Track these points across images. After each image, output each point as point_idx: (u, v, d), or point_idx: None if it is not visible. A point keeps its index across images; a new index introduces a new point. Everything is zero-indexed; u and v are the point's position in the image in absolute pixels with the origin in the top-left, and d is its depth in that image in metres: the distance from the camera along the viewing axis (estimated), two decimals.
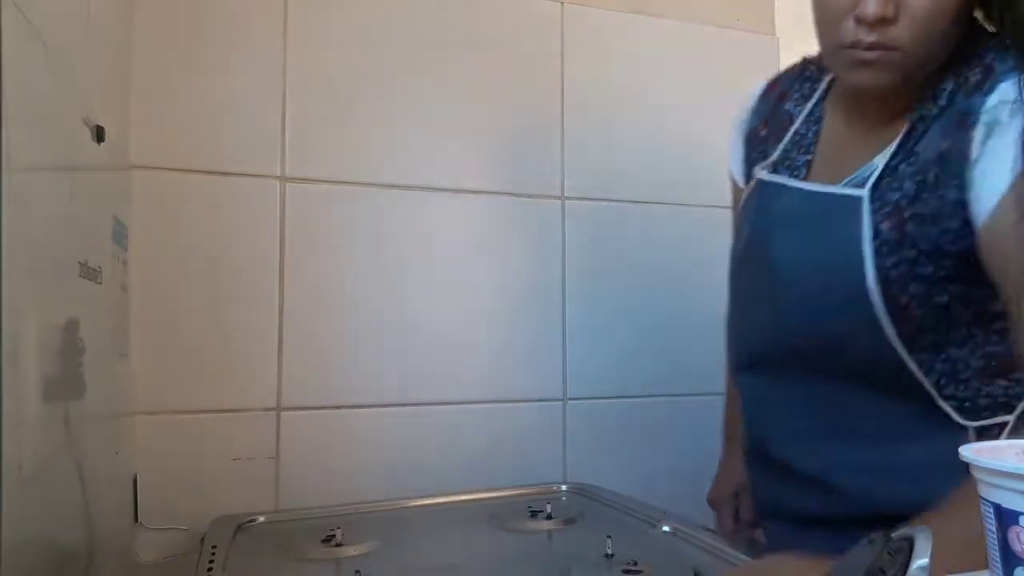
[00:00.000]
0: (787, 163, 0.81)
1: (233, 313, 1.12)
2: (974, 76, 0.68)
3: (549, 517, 0.95)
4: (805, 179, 0.79)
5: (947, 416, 0.71)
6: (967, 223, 0.65)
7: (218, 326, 1.11)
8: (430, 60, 1.25)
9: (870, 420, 0.74)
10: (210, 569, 0.78)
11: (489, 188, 1.27)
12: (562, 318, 1.30)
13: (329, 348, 1.16)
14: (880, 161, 0.71)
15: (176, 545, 1.06)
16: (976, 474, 0.39)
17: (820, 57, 0.81)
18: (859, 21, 0.66)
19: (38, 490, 0.58)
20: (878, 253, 0.68)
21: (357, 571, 0.72)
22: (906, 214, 0.68)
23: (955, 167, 0.66)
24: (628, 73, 1.38)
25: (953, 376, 0.70)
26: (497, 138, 1.29)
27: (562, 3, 1.34)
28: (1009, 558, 0.37)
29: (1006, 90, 0.65)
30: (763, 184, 0.82)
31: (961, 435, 0.70)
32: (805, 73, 0.87)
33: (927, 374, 0.70)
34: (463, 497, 1.09)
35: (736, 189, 0.92)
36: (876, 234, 0.69)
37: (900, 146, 0.70)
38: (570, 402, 1.30)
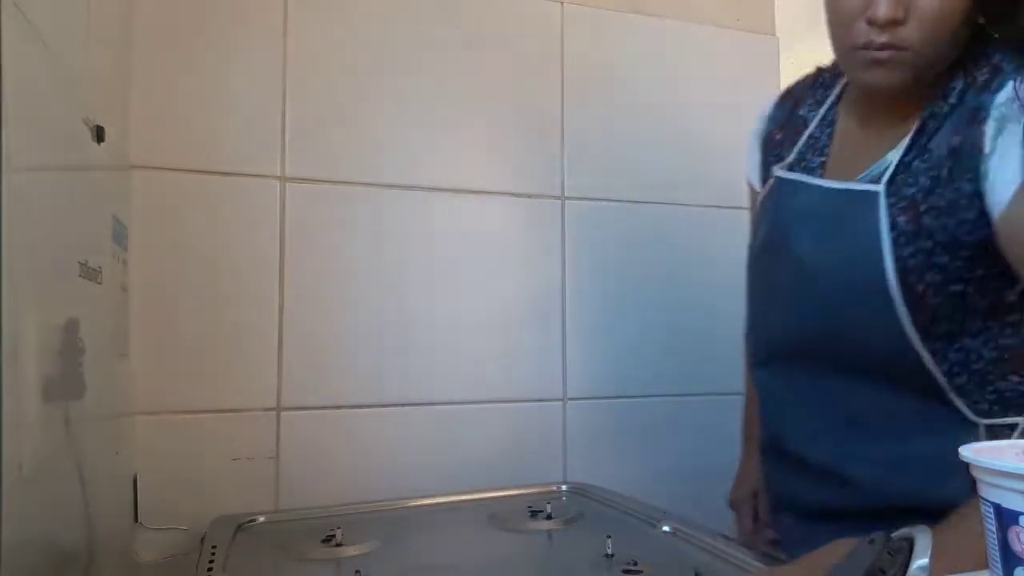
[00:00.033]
0: (802, 164, 0.84)
1: (233, 313, 1.12)
2: (982, 75, 0.70)
3: (549, 517, 0.95)
4: (821, 178, 0.81)
5: (958, 411, 0.72)
6: (983, 214, 0.67)
7: (218, 326, 1.11)
8: (430, 60, 1.25)
9: (883, 414, 0.76)
10: (210, 569, 0.78)
11: (489, 188, 1.27)
12: (562, 318, 1.30)
13: (329, 348, 1.16)
14: (894, 157, 0.73)
15: (176, 545, 1.06)
16: (976, 474, 0.39)
17: (833, 65, 0.85)
18: (870, 23, 0.68)
19: (38, 490, 0.58)
20: (896, 244, 0.70)
21: (357, 571, 0.72)
22: (922, 207, 0.70)
23: (968, 160, 0.68)
24: (628, 73, 1.38)
25: (965, 366, 0.72)
26: (497, 138, 1.29)
27: (562, 3, 1.34)
28: (1009, 558, 0.37)
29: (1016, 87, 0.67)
30: (781, 182, 0.84)
31: (972, 431, 0.72)
32: (819, 80, 0.89)
33: (940, 363, 0.72)
34: (463, 497, 1.09)
35: (753, 193, 0.95)
36: (893, 226, 0.71)
37: (913, 143, 0.72)
38: (570, 402, 1.30)
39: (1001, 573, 0.37)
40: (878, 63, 0.70)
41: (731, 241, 1.35)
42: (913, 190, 0.71)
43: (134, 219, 1.05)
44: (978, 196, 0.67)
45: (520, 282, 1.28)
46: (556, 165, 1.32)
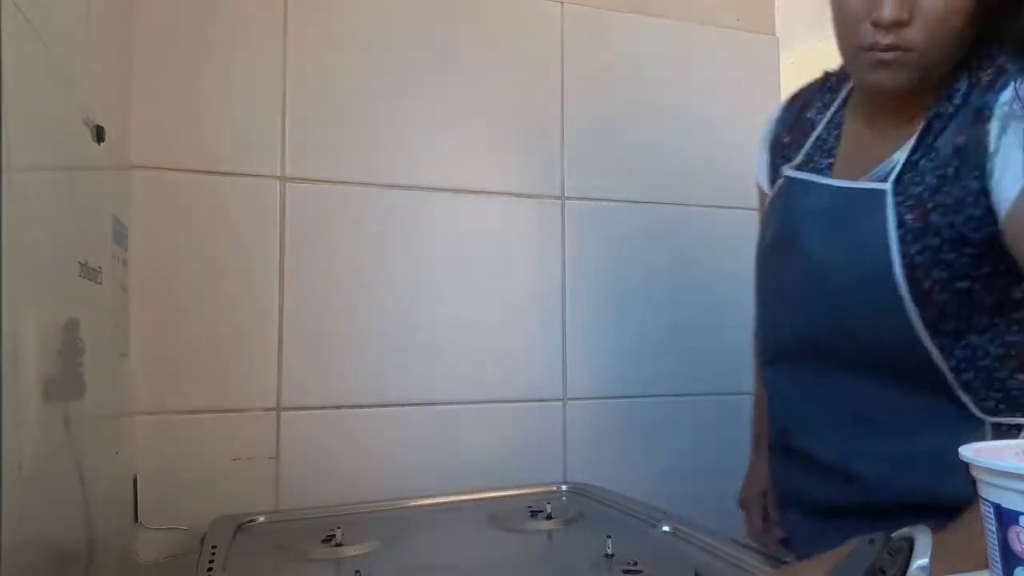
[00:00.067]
0: (810, 165, 0.84)
1: (233, 313, 1.12)
2: (987, 76, 0.71)
3: (549, 517, 0.95)
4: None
5: (965, 408, 0.73)
6: (989, 211, 0.68)
7: (218, 326, 1.11)
8: (430, 60, 1.25)
9: (890, 410, 0.77)
10: (210, 569, 0.78)
11: (489, 188, 1.27)
12: (562, 318, 1.30)
13: (329, 348, 1.16)
14: (900, 157, 0.74)
15: (176, 545, 1.06)
16: (976, 474, 0.39)
17: (840, 69, 0.86)
18: (876, 24, 0.69)
19: (38, 490, 0.58)
20: (903, 241, 0.71)
21: (357, 571, 0.72)
22: (929, 205, 0.71)
23: (974, 158, 0.69)
24: (628, 73, 1.38)
25: (972, 362, 0.73)
26: (497, 138, 1.29)
27: (562, 3, 1.34)
28: (1009, 558, 0.37)
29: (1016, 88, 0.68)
30: (791, 181, 0.85)
31: (978, 428, 0.72)
32: (826, 84, 0.90)
33: (947, 359, 0.72)
34: (463, 497, 1.09)
35: (762, 195, 0.95)
36: (900, 224, 0.71)
37: (919, 142, 0.73)
38: (570, 402, 1.30)
39: (1001, 573, 0.37)
40: (883, 64, 0.71)
41: (731, 240, 1.36)
42: (920, 188, 0.71)
43: (134, 219, 1.05)
44: (984, 194, 0.68)
45: (520, 282, 1.28)
46: (556, 165, 1.32)
